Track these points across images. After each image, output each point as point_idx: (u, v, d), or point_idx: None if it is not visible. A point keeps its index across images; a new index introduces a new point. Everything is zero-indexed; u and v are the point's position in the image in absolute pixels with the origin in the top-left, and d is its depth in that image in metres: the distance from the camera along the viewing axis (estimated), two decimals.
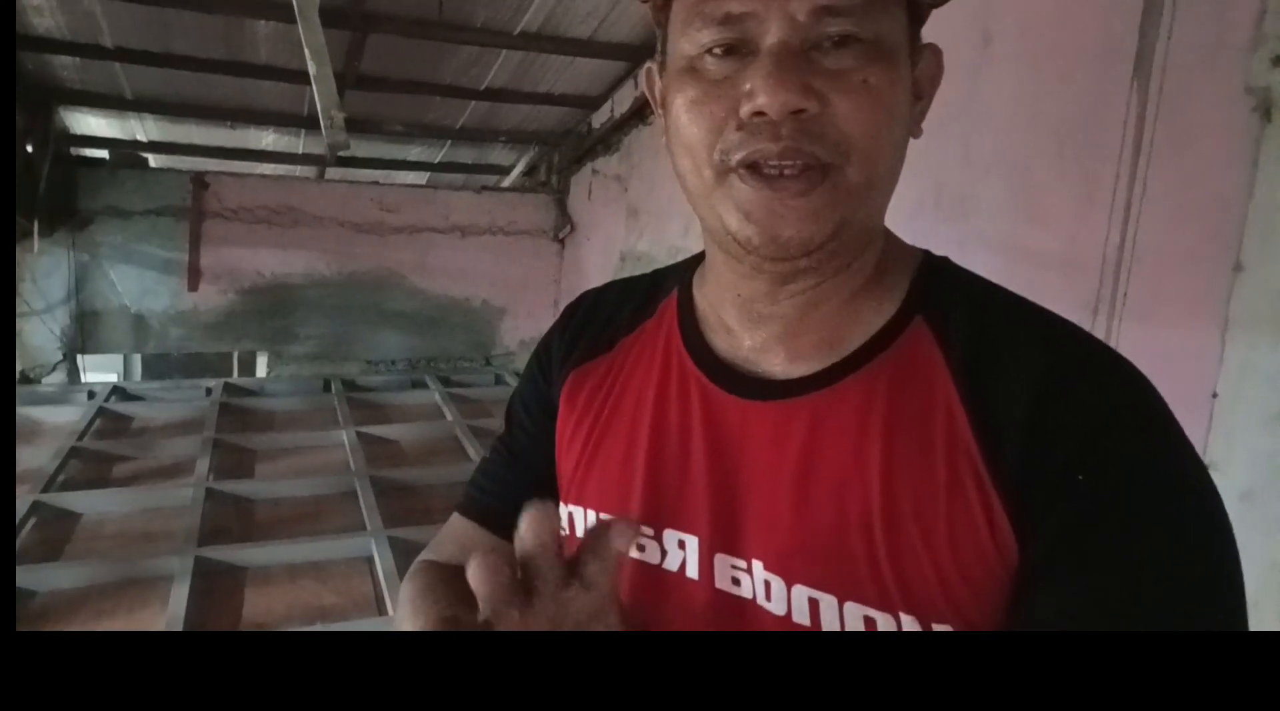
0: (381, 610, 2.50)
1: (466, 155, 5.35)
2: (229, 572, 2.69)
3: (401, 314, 5.18)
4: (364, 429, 4.01)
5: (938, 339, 0.53)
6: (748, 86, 0.48)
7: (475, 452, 3.76)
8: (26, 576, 2.55)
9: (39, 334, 4.55)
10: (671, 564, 0.58)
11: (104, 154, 4.86)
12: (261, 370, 5.19)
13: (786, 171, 0.49)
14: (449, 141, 5.04)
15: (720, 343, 0.59)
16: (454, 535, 0.74)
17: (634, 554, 0.60)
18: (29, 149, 4.26)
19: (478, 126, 4.76)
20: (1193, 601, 0.44)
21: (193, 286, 4.74)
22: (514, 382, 5.03)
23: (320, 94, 2.93)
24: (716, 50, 0.50)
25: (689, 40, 0.51)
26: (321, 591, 2.64)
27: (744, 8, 0.48)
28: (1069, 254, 1.81)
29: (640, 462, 0.60)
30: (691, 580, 0.57)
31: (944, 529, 0.49)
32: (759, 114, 0.48)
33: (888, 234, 0.60)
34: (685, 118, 0.51)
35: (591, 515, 0.62)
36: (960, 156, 2.18)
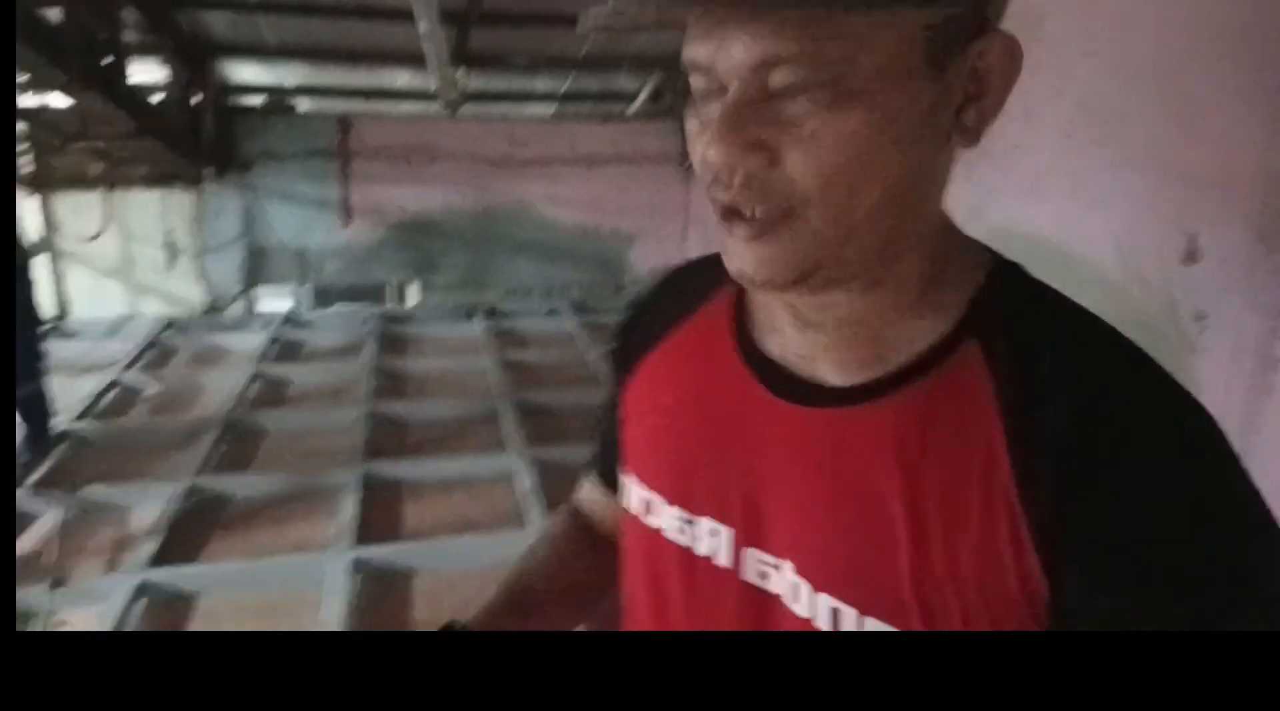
0: (523, 524, 2.73)
1: (592, 84, 5.39)
2: (389, 487, 2.99)
3: (535, 244, 5.39)
4: (505, 355, 4.27)
5: (989, 366, 0.50)
6: (706, 134, 0.47)
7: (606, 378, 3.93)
8: (223, 484, 2.95)
9: (219, 268, 5.05)
10: (704, 550, 0.60)
11: (257, 101, 5.22)
12: (412, 298, 5.55)
13: (743, 213, 0.48)
14: (573, 71, 5.10)
15: (771, 342, 0.59)
16: (582, 493, 0.82)
17: (672, 536, 0.62)
18: (193, 100, 4.66)
19: (601, 55, 4.78)
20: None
21: (345, 223, 5.10)
22: None
23: (432, 51, 2.88)
24: (700, 93, 0.49)
25: (689, 80, 0.51)
26: (470, 505, 2.90)
27: (701, 57, 0.47)
28: (1233, 173, 1.65)
29: (683, 451, 0.62)
30: (721, 569, 0.59)
31: (970, 558, 0.48)
32: (711, 163, 0.47)
33: (950, 238, 0.55)
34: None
35: (644, 490, 0.65)
36: (1109, 71, 2.03)
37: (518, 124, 5.16)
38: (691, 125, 0.50)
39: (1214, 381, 1.95)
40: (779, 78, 0.44)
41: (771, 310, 0.58)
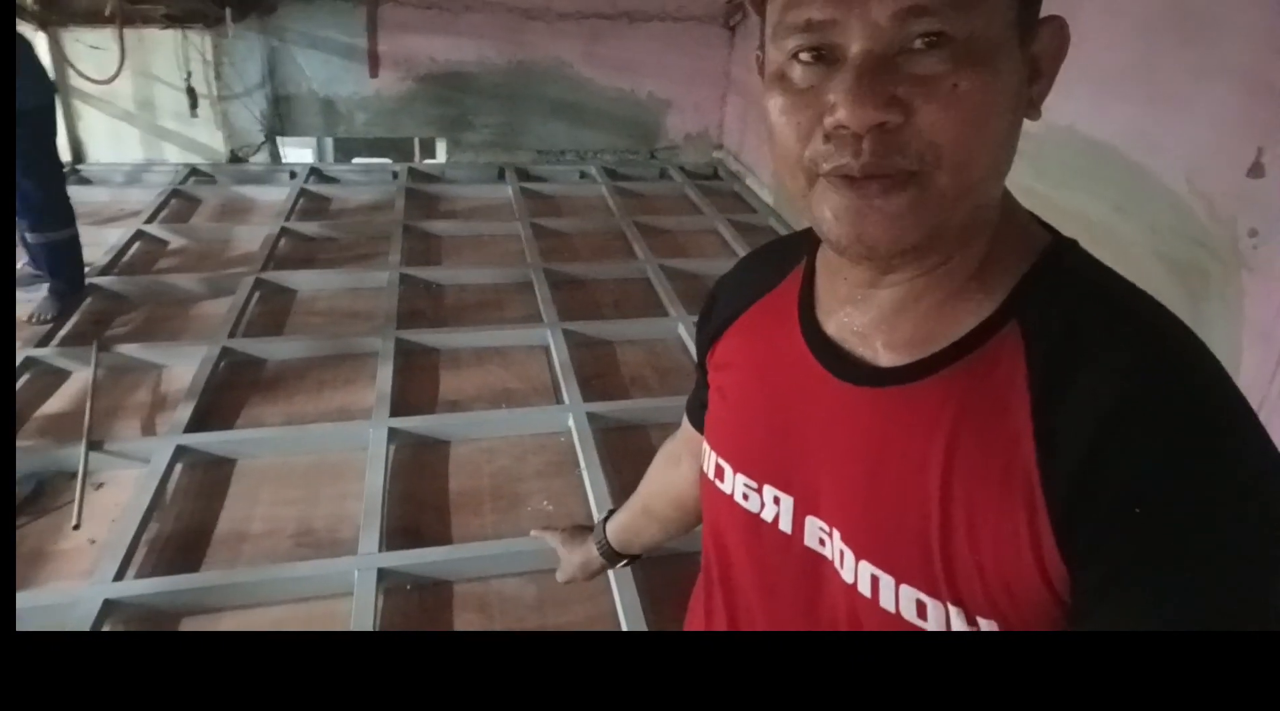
0: (558, 398, 2.73)
1: None
2: (425, 353, 2.99)
3: (569, 105, 5.17)
4: (537, 221, 4.18)
5: (1025, 348, 0.51)
6: (831, 98, 0.47)
7: (640, 251, 3.86)
8: (257, 346, 2.95)
9: (242, 116, 4.88)
10: (767, 515, 0.63)
11: None
12: (441, 155, 5.39)
13: (874, 176, 0.48)
14: None
15: (829, 321, 0.60)
16: (681, 432, 0.91)
17: (738, 501, 0.65)
18: None
19: None
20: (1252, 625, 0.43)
21: (373, 73, 4.88)
22: (678, 178, 5.07)
23: None
24: (804, 57, 0.49)
25: (777, 47, 0.50)
26: (505, 375, 2.90)
27: (825, 15, 0.47)
28: None
29: (752, 422, 0.65)
30: (784, 533, 0.62)
31: (989, 542, 0.49)
32: (842, 127, 0.47)
33: (1009, 219, 0.56)
34: (776, 124, 0.51)
35: (717, 456, 0.69)
36: None
37: None
38: (780, 100, 0.50)
39: (1264, 300, 1.88)
40: (922, 26, 0.45)
41: (834, 290, 0.60)
